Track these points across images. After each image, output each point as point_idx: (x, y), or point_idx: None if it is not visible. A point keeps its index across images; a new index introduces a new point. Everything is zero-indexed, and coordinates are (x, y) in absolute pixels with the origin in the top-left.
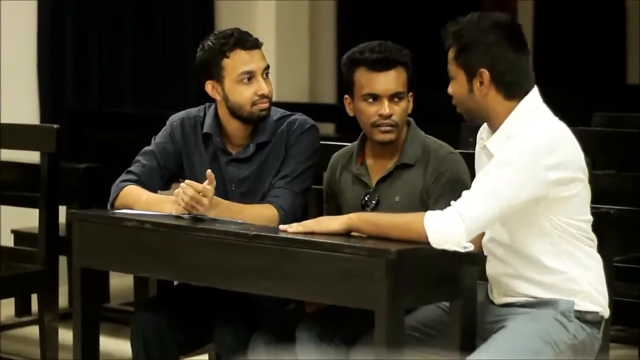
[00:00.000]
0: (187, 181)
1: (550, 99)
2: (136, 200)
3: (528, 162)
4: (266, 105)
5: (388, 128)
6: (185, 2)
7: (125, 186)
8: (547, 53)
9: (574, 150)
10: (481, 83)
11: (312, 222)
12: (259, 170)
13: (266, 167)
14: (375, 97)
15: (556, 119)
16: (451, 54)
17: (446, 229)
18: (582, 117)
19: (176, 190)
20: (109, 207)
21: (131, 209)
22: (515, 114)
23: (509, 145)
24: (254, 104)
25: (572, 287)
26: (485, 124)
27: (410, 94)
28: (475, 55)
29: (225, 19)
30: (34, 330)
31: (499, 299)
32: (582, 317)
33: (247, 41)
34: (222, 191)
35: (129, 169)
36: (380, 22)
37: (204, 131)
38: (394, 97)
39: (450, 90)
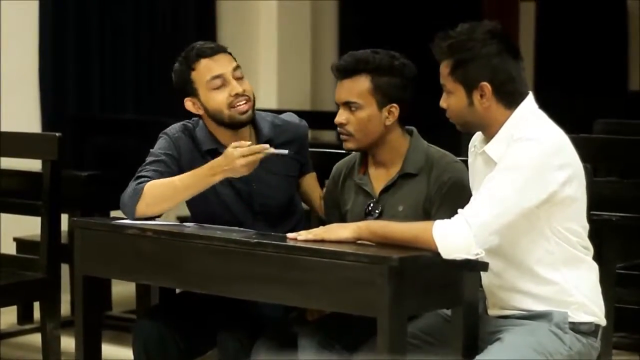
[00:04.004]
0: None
1: (552, 105)
2: (169, 187)
3: (540, 164)
4: (244, 106)
5: (344, 137)
6: (187, 7)
7: (144, 185)
8: (549, 59)
9: (574, 150)
10: (482, 96)
11: (321, 230)
12: (267, 167)
13: (274, 164)
14: (337, 105)
15: (551, 121)
16: (445, 69)
17: (454, 237)
18: (583, 124)
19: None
20: (133, 217)
21: (161, 204)
22: (514, 119)
23: (516, 148)
24: (231, 106)
25: (565, 299)
26: (477, 134)
27: (393, 105)
28: (475, 69)
29: (227, 24)
30: (36, 338)
31: (493, 311)
32: (577, 328)
33: (207, 49)
34: (246, 192)
35: (140, 174)
36: (383, 28)
37: (205, 149)
38: (348, 106)
39: (444, 104)
